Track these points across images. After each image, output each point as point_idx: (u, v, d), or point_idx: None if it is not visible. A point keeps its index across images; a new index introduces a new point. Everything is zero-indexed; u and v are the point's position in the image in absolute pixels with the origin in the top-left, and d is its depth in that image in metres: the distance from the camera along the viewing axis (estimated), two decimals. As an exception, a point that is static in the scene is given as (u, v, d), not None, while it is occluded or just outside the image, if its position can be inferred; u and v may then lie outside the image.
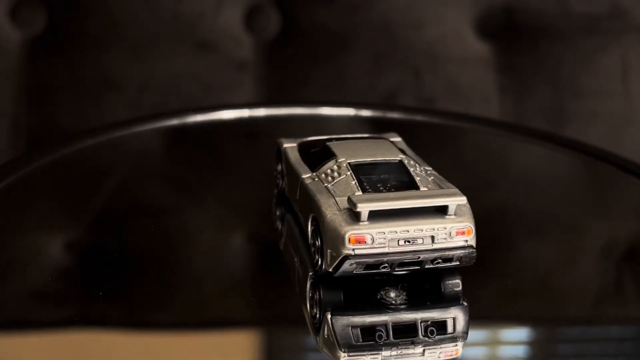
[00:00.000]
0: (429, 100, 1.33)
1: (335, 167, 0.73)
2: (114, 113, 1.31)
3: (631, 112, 1.34)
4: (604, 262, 0.81)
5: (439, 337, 0.66)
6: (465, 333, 0.67)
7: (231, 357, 0.68)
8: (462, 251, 0.69)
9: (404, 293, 0.69)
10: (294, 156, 0.79)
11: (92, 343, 0.69)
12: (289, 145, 0.81)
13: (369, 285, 0.70)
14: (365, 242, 0.67)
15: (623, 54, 1.34)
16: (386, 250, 0.68)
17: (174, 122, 1.01)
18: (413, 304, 0.69)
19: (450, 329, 0.68)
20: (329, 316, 0.68)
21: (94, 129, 0.99)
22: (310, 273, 0.72)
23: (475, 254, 0.69)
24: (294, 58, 1.34)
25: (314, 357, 0.69)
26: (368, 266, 0.68)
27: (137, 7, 1.32)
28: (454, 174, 0.76)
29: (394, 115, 1.06)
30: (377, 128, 1.03)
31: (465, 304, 0.70)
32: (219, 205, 0.87)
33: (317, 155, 0.76)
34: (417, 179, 0.71)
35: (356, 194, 0.69)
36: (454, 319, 0.68)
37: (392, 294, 0.69)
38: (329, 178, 0.72)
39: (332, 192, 0.71)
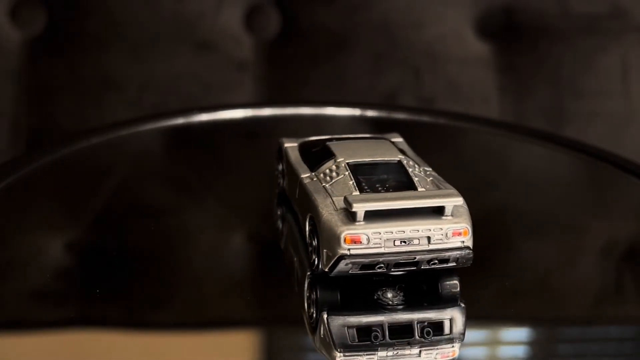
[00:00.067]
0: (429, 100, 1.33)
1: (333, 167, 0.73)
2: (114, 113, 1.31)
3: (631, 112, 1.34)
4: (604, 262, 0.81)
5: (435, 338, 0.66)
6: (462, 334, 0.67)
7: (231, 357, 0.68)
8: (459, 252, 0.69)
9: (401, 293, 0.69)
10: (295, 156, 0.79)
11: (92, 343, 0.69)
12: (290, 145, 0.81)
13: (367, 285, 0.70)
14: (361, 242, 0.67)
15: (623, 54, 1.34)
16: (382, 250, 0.68)
17: (174, 122, 1.01)
18: (410, 305, 0.69)
19: (446, 330, 0.67)
20: (325, 316, 0.68)
21: (94, 129, 0.99)
22: (308, 273, 0.72)
23: (471, 255, 0.69)
24: (294, 58, 1.34)
25: (312, 357, 0.69)
26: (364, 266, 0.68)
27: (137, 7, 1.32)
28: (454, 174, 0.76)
29: (394, 115, 1.06)
30: (377, 128, 1.03)
31: (463, 305, 0.70)
32: (219, 205, 0.87)
33: (317, 155, 0.76)
34: (416, 179, 0.71)
35: (353, 194, 0.69)
36: (450, 319, 0.68)
37: (389, 295, 0.69)
38: (327, 178, 0.72)
39: (329, 191, 0.71)
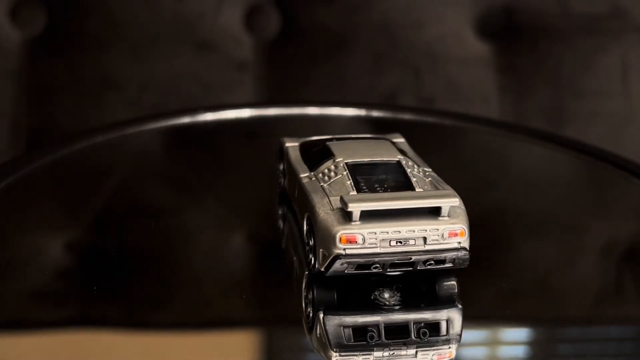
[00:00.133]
0: (429, 100, 1.33)
1: (332, 167, 0.73)
2: (114, 113, 1.31)
3: (631, 112, 1.34)
4: (604, 262, 0.81)
5: (431, 338, 0.66)
6: (459, 335, 0.67)
7: (231, 357, 0.68)
8: (455, 253, 0.68)
9: (398, 294, 0.69)
10: (295, 155, 0.79)
11: (92, 343, 0.69)
12: (291, 145, 0.81)
13: (364, 285, 0.70)
14: (356, 242, 0.67)
15: (623, 54, 1.34)
16: (377, 250, 0.68)
17: (174, 122, 1.01)
18: (407, 305, 0.69)
19: (443, 330, 0.67)
20: (321, 315, 0.68)
21: (94, 129, 0.99)
22: (306, 273, 0.72)
23: (468, 256, 0.69)
24: (294, 58, 1.34)
25: (310, 357, 0.69)
26: (359, 266, 0.68)
27: (137, 7, 1.32)
28: (454, 174, 0.76)
29: (394, 115, 1.06)
30: (377, 128, 1.03)
31: (460, 305, 0.69)
32: (219, 205, 0.87)
33: (316, 155, 0.76)
34: (414, 179, 0.71)
35: (350, 193, 0.69)
36: (447, 320, 0.68)
37: (386, 295, 0.69)
38: (326, 177, 0.72)
39: (327, 191, 0.71)
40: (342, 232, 0.67)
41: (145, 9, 1.32)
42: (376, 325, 0.67)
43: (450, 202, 0.68)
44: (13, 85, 1.32)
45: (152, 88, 1.32)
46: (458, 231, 0.68)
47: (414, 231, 0.68)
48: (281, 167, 0.83)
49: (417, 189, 0.70)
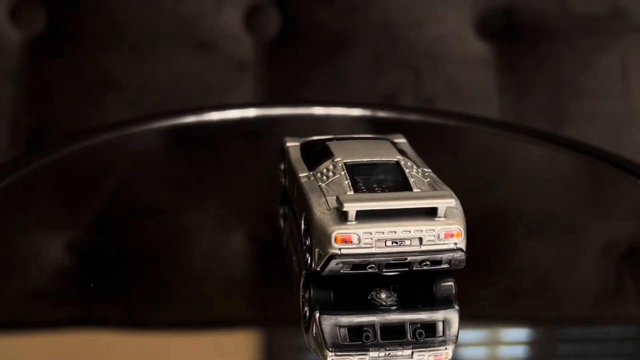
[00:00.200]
0: (429, 100, 1.33)
1: (331, 167, 0.73)
2: (114, 113, 1.31)
3: (631, 112, 1.34)
4: (604, 262, 0.81)
5: (427, 339, 0.66)
6: (456, 336, 0.67)
7: (231, 357, 0.68)
8: (451, 254, 0.68)
9: (395, 294, 0.69)
10: (295, 155, 0.79)
11: (92, 343, 0.69)
12: (292, 144, 0.81)
13: (361, 285, 0.70)
14: (352, 241, 0.67)
15: (623, 54, 1.34)
16: (373, 250, 0.67)
17: (174, 122, 1.01)
18: (403, 306, 0.69)
19: (439, 331, 0.67)
20: (317, 315, 0.68)
21: (94, 129, 0.99)
22: (304, 272, 0.72)
23: (464, 257, 0.69)
24: (294, 58, 1.34)
25: (309, 357, 0.69)
26: (355, 266, 0.68)
27: (137, 7, 1.32)
28: (454, 174, 0.76)
29: (394, 115, 1.06)
30: (377, 128, 1.03)
31: (457, 307, 0.69)
32: (219, 205, 0.87)
33: (316, 155, 0.76)
34: (412, 180, 0.71)
35: (347, 193, 0.69)
36: (443, 321, 0.68)
37: (383, 295, 0.69)
38: (324, 177, 0.72)
39: (324, 191, 0.71)
40: (337, 231, 0.67)
41: (145, 9, 1.32)
42: (372, 325, 0.67)
43: (446, 203, 0.68)
44: (13, 85, 1.32)
45: (152, 88, 1.32)
46: (454, 232, 0.68)
47: (409, 231, 0.67)
48: (282, 166, 0.83)
49: (414, 190, 0.70)
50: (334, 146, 0.75)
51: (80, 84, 1.32)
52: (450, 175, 0.75)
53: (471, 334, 0.69)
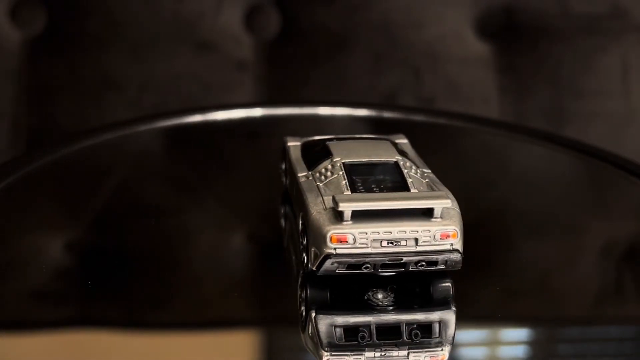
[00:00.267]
0: (429, 100, 1.33)
1: (329, 167, 0.73)
2: (114, 113, 1.31)
3: (631, 112, 1.34)
4: (604, 262, 0.81)
5: (423, 340, 0.66)
6: (452, 337, 0.67)
7: (231, 357, 0.68)
8: (447, 255, 0.68)
9: (392, 295, 0.69)
10: (296, 155, 0.79)
11: (92, 343, 0.69)
12: (293, 144, 0.81)
13: (358, 286, 0.69)
14: (347, 241, 0.67)
15: (623, 54, 1.34)
16: (368, 250, 0.67)
17: (174, 122, 1.01)
18: (400, 306, 0.68)
19: (435, 332, 0.67)
20: (313, 315, 0.68)
21: (94, 129, 0.99)
22: (300, 272, 0.72)
23: (460, 258, 0.68)
24: (294, 58, 1.34)
25: (305, 356, 0.69)
26: (350, 266, 0.68)
27: (137, 7, 1.32)
28: (454, 174, 0.76)
29: (394, 115, 1.06)
30: (377, 128, 1.03)
31: (454, 307, 0.69)
32: (219, 205, 0.87)
33: (316, 155, 0.76)
34: (410, 180, 0.71)
35: (344, 193, 0.69)
36: (439, 322, 0.68)
37: (380, 295, 0.69)
38: (322, 177, 0.72)
39: (322, 191, 0.71)
40: (332, 231, 0.67)
41: (145, 9, 1.32)
42: (368, 325, 0.67)
43: (443, 204, 0.68)
44: (13, 85, 1.32)
45: (152, 88, 1.32)
46: (450, 233, 0.68)
47: (405, 232, 0.67)
48: (283, 166, 0.83)
49: (412, 190, 0.70)
50: (333, 146, 0.75)
51: (80, 84, 1.32)
52: (450, 175, 0.75)
53: (471, 334, 0.69)
